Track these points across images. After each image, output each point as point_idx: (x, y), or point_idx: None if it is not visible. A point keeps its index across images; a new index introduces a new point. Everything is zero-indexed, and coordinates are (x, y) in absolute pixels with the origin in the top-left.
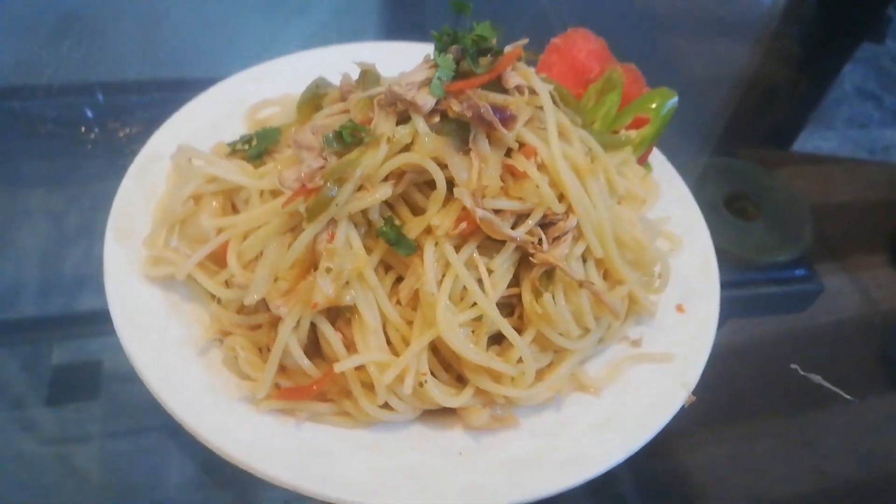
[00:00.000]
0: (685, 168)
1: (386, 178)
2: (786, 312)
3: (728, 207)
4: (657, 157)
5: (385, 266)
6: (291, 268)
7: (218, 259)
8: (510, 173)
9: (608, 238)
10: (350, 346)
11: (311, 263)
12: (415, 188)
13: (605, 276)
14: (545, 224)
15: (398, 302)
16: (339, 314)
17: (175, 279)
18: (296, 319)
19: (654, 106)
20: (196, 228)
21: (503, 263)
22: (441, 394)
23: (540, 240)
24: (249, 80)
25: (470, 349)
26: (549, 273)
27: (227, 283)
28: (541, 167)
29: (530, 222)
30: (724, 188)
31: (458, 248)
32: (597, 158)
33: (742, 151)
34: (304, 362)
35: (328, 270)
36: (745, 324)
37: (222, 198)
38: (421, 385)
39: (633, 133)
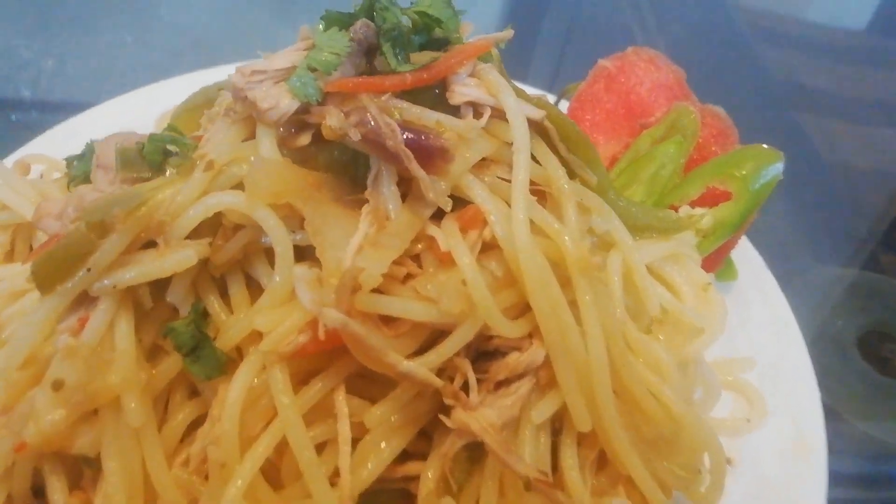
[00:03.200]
0: (797, 281)
1: (198, 233)
2: None
3: (863, 350)
4: (747, 257)
5: (188, 391)
6: (23, 368)
7: None
8: (432, 254)
9: (603, 395)
10: None
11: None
12: (261, 258)
13: (600, 466)
14: (486, 354)
15: (185, 463)
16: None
17: None
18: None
19: (743, 172)
20: None
21: (389, 417)
22: None
23: (465, 384)
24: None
25: None
26: (474, 451)
27: None
28: (488, 248)
29: (447, 348)
30: (861, 320)
31: (299, 379)
32: (614, 247)
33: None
34: None
35: (57, 386)
36: None
37: (11, 235)
38: None
39: (700, 213)
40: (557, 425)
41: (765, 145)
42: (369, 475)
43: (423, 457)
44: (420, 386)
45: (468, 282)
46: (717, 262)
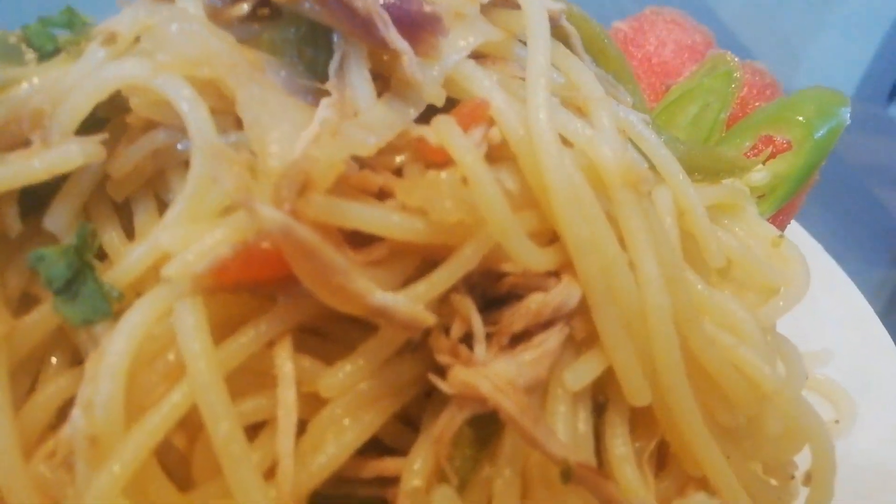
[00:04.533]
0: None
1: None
2: None
3: None
4: (800, 239)
5: (69, 358)
6: None
7: None
8: (420, 162)
9: (667, 354)
10: None
11: None
12: (179, 174)
13: (659, 465)
14: (495, 302)
15: (51, 455)
16: None
17: None
18: None
19: (803, 117)
20: None
21: (356, 384)
22: None
23: (465, 336)
24: None
25: None
26: (484, 429)
27: None
28: (496, 157)
29: (442, 276)
30: None
31: (224, 333)
32: (662, 182)
33: None
34: None
35: None
36: None
37: None
38: None
39: (753, 162)
40: (600, 399)
41: (827, 88)
42: (324, 466)
43: (405, 453)
44: (402, 330)
45: (473, 179)
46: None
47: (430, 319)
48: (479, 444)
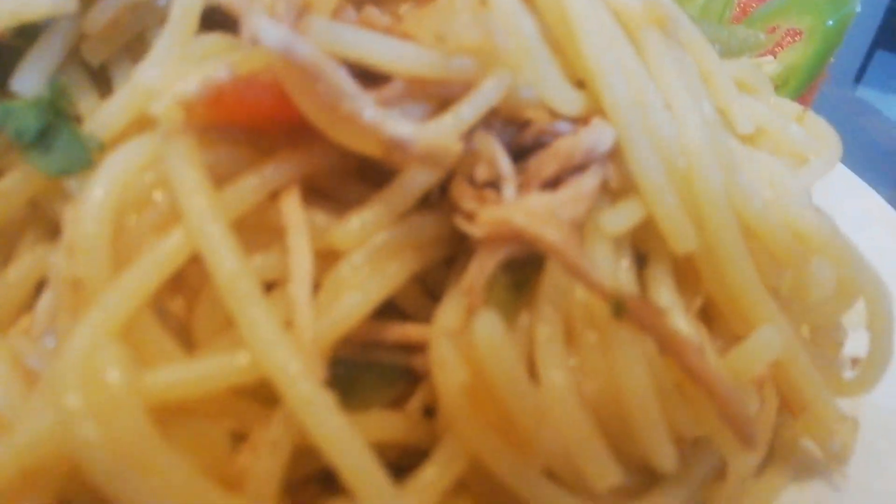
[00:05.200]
0: None
1: None
2: None
3: None
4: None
5: (45, 231)
6: None
7: None
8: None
9: (710, 195)
10: None
11: None
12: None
13: (711, 318)
14: (519, 151)
15: (28, 330)
16: None
17: None
18: None
19: (811, 7)
20: None
21: (375, 234)
22: None
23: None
24: None
25: None
26: (521, 273)
27: None
28: None
29: (466, 109)
30: None
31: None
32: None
33: None
34: None
35: None
36: None
37: None
38: None
39: (770, 39)
40: (642, 249)
41: None
42: (345, 317)
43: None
44: (423, 166)
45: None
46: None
47: (456, 148)
48: (515, 291)
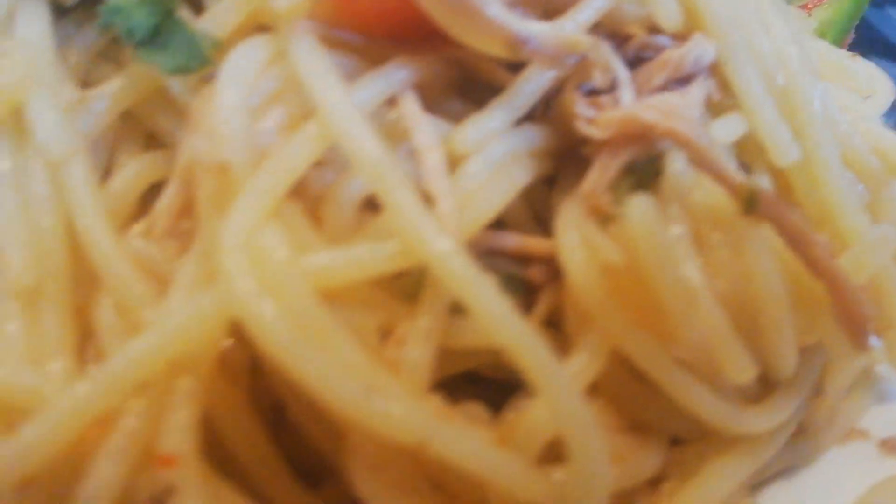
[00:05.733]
0: None
1: None
2: None
3: None
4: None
5: (143, 141)
6: None
7: None
8: None
9: (813, 109)
10: None
11: None
12: None
13: None
14: (627, 54)
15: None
16: None
17: None
18: None
19: None
20: None
21: (496, 139)
22: None
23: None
24: None
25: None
26: (644, 172)
27: None
28: None
29: (582, 13)
30: None
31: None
32: None
33: None
34: None
35: None
36: None
37: None
38: None
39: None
40: (743, 162)
41: None
42: (473, 220)
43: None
44: (549, 64)
45: None
46: None
47: (584, 43)
48: (638, 190)
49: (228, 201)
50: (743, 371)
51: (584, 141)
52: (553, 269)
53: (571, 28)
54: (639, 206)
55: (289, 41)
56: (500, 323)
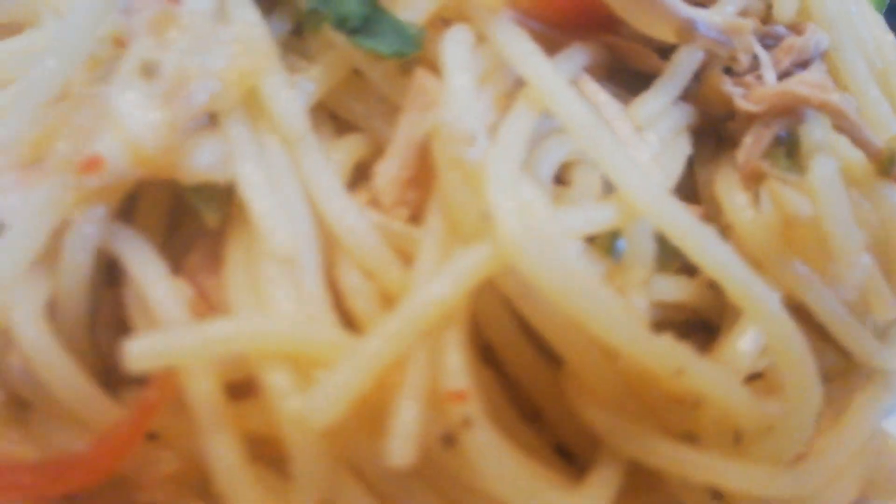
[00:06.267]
0: None
1: None
2: None
3: None
4: None
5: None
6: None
7: None
8: None
9: None
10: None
11: None
12: None
13: None
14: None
15: (373, 202)
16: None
17: None
18: (37, 235)
19: None
20: None
21: (658, 105)
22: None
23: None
24: None
25: (613, 314)
26: (793, 142)
27: None
28: None
29: (727, 7)
30: None
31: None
32: None
33: None
34: (62, 375)
35: (149, 70)
36: None
37: None
38: (452, 440)
39: None
40: None
41: None
42: (668, 179)
43: None
44: (712, 47)
45: None
46: None
47: (747, 27)
48: (788, 158)
49: (473, 168)
50: (891, 310)
51: (730, 116)
52: None
53: (731, 12)
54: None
55: (494, 27)
56: (722, 261)
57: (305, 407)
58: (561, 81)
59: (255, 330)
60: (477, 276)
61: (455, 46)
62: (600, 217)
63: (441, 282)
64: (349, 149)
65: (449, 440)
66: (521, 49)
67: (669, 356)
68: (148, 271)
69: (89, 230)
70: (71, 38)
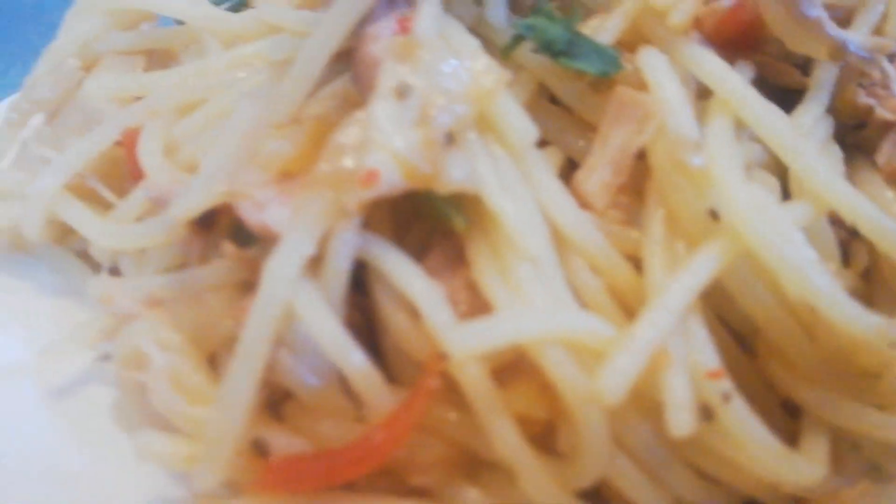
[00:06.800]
0: None
1: None
2: None
3: None
4: None
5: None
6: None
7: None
8: None
9: None
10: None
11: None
12: None
13: None
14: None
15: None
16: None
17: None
18: (311, 242)
19: None
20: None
21: (815, 119)
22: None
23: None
24: None
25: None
26: None
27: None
28: None
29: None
30: None
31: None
32: None
33: None
34: (355, 361)
35: (402, 92)
36: None
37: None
38: (711, 415)
39: None
40: None
41: None
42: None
43: None
44: (858, 64)
45: None
46: None
47: (889, 45)
48: None
49: (699, 170)
50: None
51: (862, 125)
52: None
53: (865, 32)
54: None
55: (684, 47)
56: None
57: (598, 388)
58: (754, 94)
59: (546, 322)
60: (718, 268)
61: (659, 62)
62: (807, 213)
63: (692, 273)
64: (552, 159)
65: (708, 415)
66: (713, 66)
67: (885, 332)
68: (404, 272)
69: (350, 237)
70: (312, 56)
